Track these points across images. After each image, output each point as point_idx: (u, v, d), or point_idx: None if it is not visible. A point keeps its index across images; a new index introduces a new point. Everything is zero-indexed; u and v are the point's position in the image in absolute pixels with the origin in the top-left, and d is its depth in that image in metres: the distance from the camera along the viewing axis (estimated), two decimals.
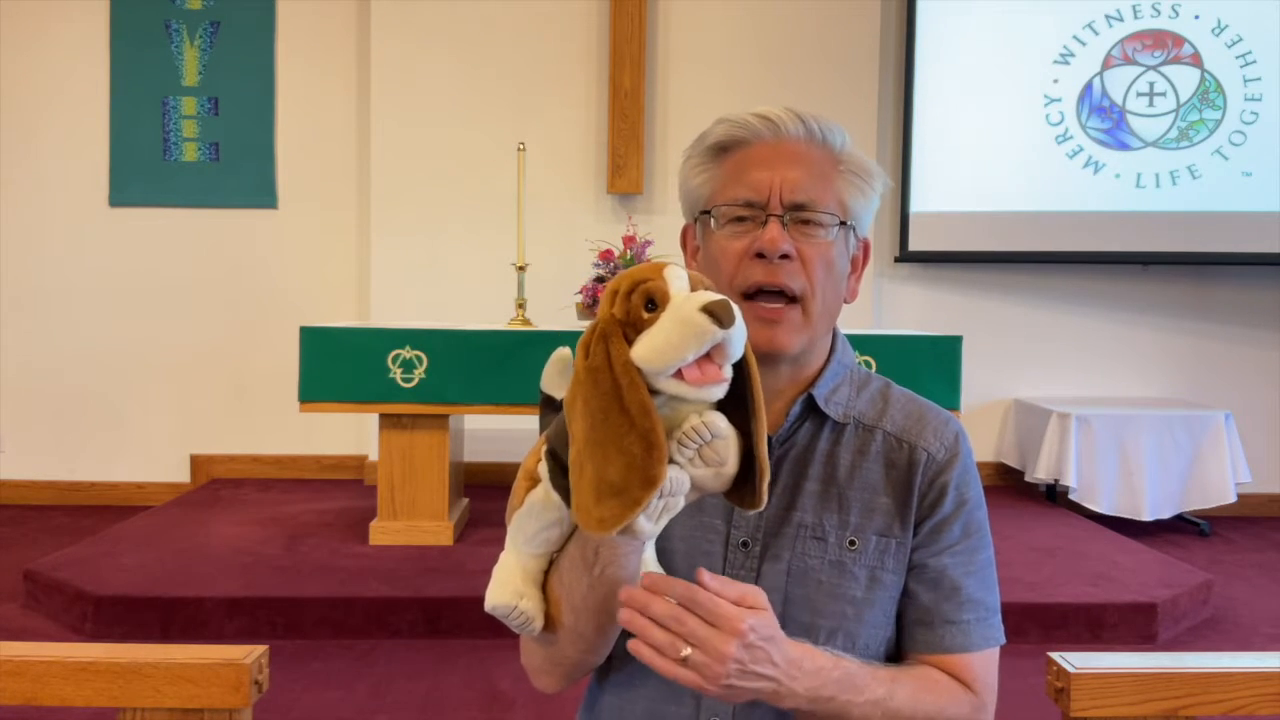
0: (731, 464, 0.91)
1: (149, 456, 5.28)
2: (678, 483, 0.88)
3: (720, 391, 0.88)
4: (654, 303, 0.87)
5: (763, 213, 1.10)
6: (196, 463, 5.30)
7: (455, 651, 3.21)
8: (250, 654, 1.02)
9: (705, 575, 0.94)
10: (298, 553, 3.79)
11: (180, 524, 4.25)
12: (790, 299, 1.10)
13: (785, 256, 1.08)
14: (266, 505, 4.64)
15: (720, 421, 0.89)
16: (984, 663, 1.14)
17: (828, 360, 1.17)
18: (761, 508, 0.92)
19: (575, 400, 0.89)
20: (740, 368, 0.90)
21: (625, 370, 0.86)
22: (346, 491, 4.96)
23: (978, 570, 1.15)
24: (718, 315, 0.84)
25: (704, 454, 0.89)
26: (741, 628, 0.92)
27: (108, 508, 5.13)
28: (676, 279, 0.88)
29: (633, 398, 0.85)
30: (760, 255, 1.09)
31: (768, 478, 0.92)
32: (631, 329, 0.88)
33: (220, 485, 5.12)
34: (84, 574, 3.49)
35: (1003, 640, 1.16)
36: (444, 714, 2.81)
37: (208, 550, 3.83)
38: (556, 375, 1.07)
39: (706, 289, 0.89)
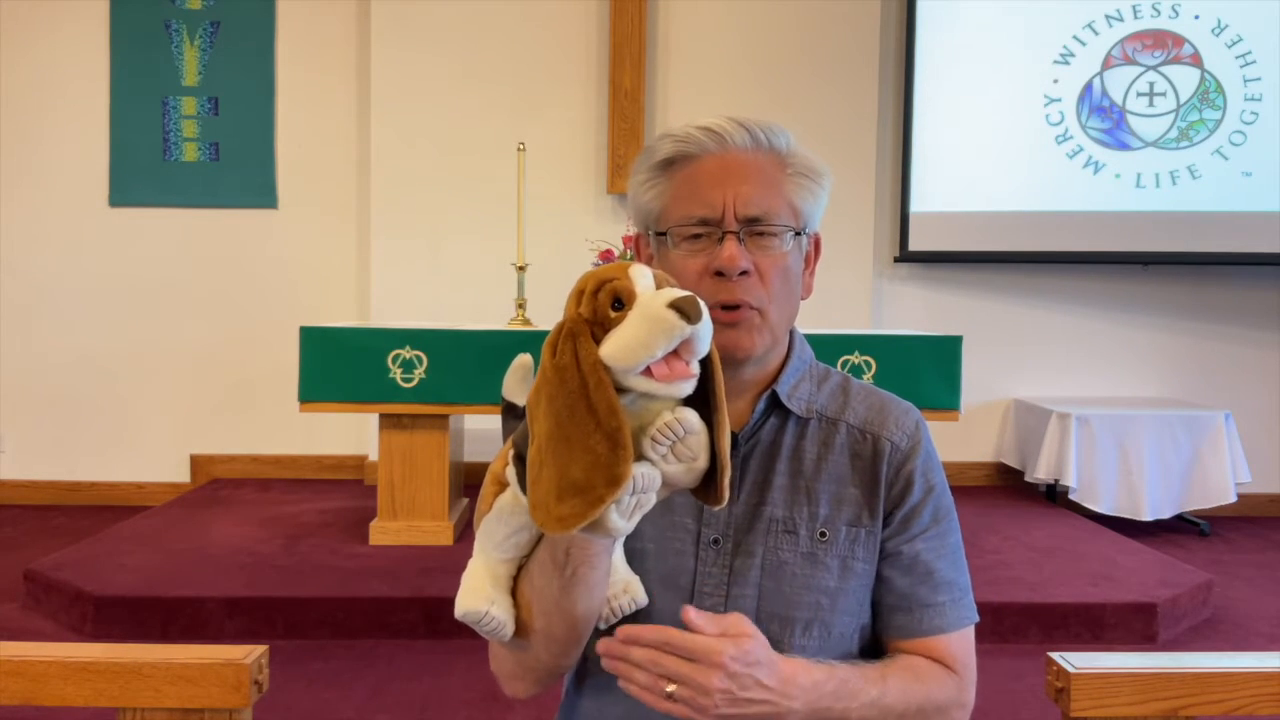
0: (703, 459, 0.91)
1: (149, 456, 5.28)
2: (649, 479, 0.88)
3: (689, 387, 0.89)
4: (621, 301, 0.88)
5: (718, 229, 1.10)
6: (196, 463, 5.31)
7: (455, 651, 3.21)
8: (250, 654, 1.02)
9: (690, 612, 0.96)
10: (298, 553, 3.79)
11: (180, 524, 4.25)
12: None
13: (744, 273, 1.09)
14: (266, 505, 4.64)
15: (692, 417, 0.90)
16: (961, 642, 1.17)
17: (787, 358, 1.20)
18: (724, 504, 0.93)
19: (539, 399, 0.89)
20: (705, 364, 0.91)
21: (593, 369, 0.86)
22: (346, 491, 4.96)
23: (949, 553, 1.18)
24: (685, 311, 0.84)
25: (677, 450, 0.90)
26: (721, 660, 0.94)
27: (108, 508, 5.13)
28: (642, 277, 0.89)
29: (599, 396, 0.85)
30: (719, 273, 1.09)
31: (729, 474, 0.93)
32: (599, 328, 0.88)
33: (220, 485, 5.12)
34: (84, 574, 3.49)
35: (976, 619, 1.19)
36: (444, 714, 2.81)
37: (208, 550, 3.83)
38: (517, 383, 1.08)
39: (671, 287, 0.89)
